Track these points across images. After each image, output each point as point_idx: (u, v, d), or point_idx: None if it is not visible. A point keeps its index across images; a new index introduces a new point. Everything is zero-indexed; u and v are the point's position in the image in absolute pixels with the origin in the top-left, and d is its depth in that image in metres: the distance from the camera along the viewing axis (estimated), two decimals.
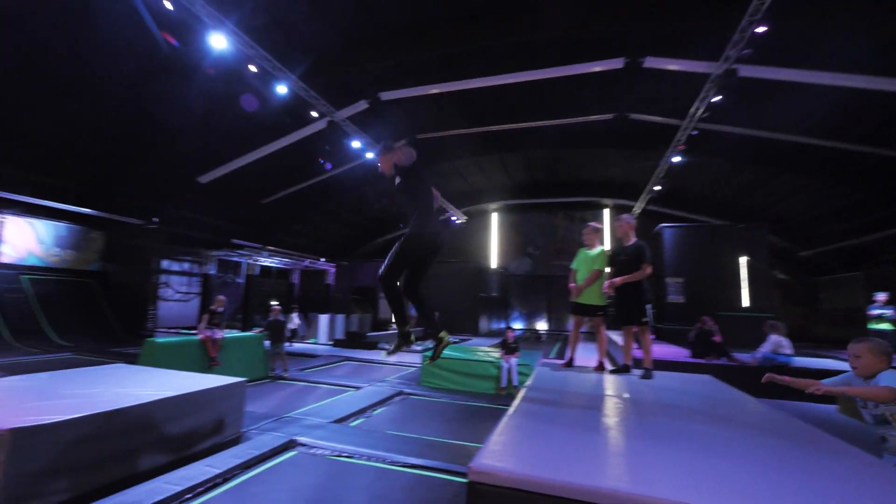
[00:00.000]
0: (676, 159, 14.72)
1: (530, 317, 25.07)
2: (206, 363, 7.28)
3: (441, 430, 5.76)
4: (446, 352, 8.22)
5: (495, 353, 8.15)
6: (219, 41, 9.45)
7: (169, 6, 8.49)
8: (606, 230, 20.38)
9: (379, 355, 11.93)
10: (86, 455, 3.36)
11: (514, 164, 20.65)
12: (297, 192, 17.70)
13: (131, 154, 13.19)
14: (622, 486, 1.66)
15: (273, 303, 10.22)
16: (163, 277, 15.76)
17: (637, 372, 4.49)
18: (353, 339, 12.96)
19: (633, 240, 4.55)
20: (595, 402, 3.36)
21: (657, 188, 17.59)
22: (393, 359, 11.45)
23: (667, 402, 3.37)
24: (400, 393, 7.45)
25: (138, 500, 3.33)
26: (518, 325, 24.35)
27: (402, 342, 3.35)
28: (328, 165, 15.18)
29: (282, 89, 11.43)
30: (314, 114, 12.84)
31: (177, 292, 16.71)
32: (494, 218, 26.33)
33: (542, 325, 24.62)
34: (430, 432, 5.56)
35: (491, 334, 19.74)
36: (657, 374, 4.40)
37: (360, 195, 19.75)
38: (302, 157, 15.38)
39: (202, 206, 16.03)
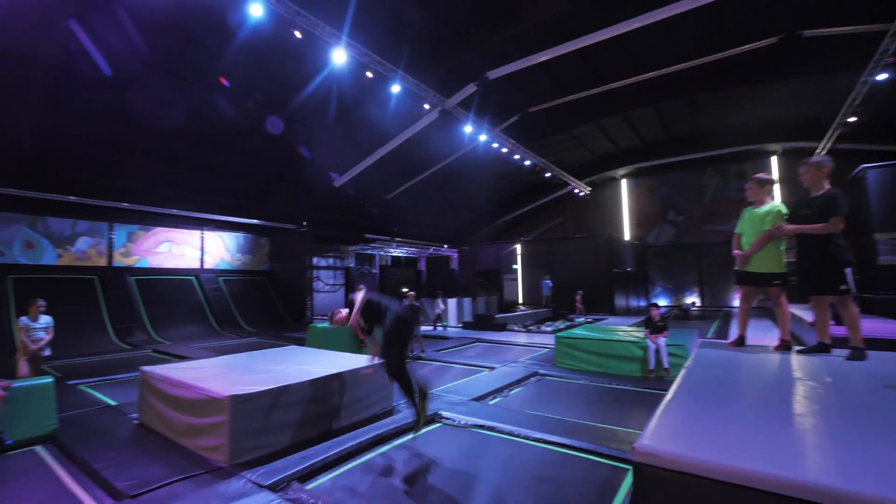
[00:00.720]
0: (882, 77, 11.56)
1: (675, 291, 22.62)
2: (357, 345, 8.18)
3: (582, 412, 5.60)
4: (583, 332, 8.01)
5: (638, 333, 7.60)
6: (339, 56, 10.34)
7: (298, 35, 9.53)
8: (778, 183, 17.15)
9: (509, 336, 12.07)
10: (280, 418, 4.14)
11: (643, 121, 18.76)
12: (416, 184, 18.68)
13: (284, 171, 15.31)
14: (828, 479, 1.37)
15: (405, 289, 11.04)
16: (315, 272, 18.14)
17: (840, 353, 3.49)
18: (482, 322, 13.31)
19: (825, 188, 3.51)
20: (782, 385, 2.78)
21: (851, 119, 14.15)
22: (524, 339, 11.51)
23: (887, 388, 2.60)
24: (535, 374, 7.44)
25: (319, 454, 3.99)
26: (662, 302, 22.22)
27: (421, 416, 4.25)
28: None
29: (395, 88, 12.06)
30: (426, 106, 13.30)
31: (326, 284, 19.08)
32: (624, 185, 24.31)
33: (691, 300, 22.02)
34: (572, 414, 5.44)
35: (629, 313, 18.45)
36: (871, 353, 3.37)
37: (476, 179, 20.01)
38: (418, 151, 16.14)
39: (339, 207, 17.93)
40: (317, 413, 4.53)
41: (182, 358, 8.94)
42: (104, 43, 9.38)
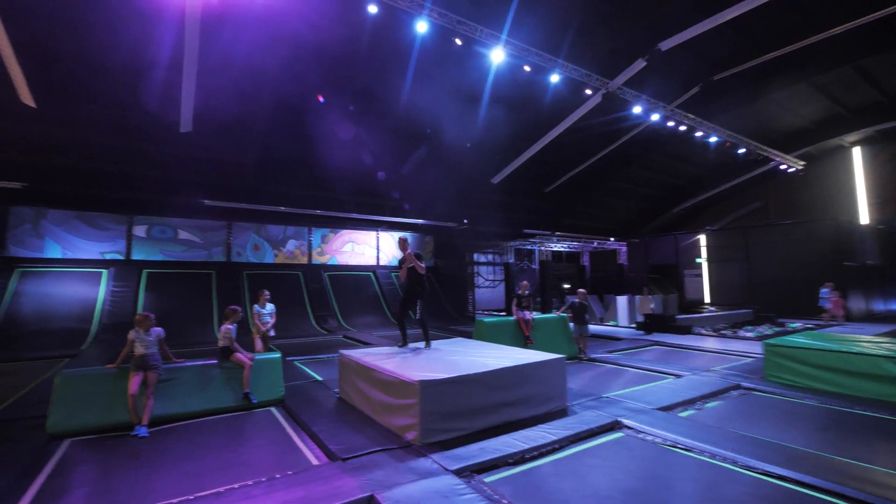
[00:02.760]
0: None
1: None
2: (523, 341, 8.06)
3: (810, 439, 4.42)
4: (806, 340, 6.40)
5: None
6: (497, 55, 10.39)
7: (458, 42, 9.87)
8: None
9: (696, 340, 10.47)
10: (463, 404, 4.31)
11: (884, 69, 14.30)
12: (577, 175, 17.73)
13: (446, 170, 16.15)
14: None
15: (566, 285, 10.51)
16: (475, 268, 18.76)
17: None
18: (659, 323, 11.85)
19: None
20: None
21: None
22: (715, 345, 9.82)
23: None
24: (737, 386, 6.22)
25: (498, 448, 3.96)
26: None
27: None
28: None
29: (554, 78, 11.57)
30: (588, 91, 12.45)
31: (486, 280, 19.56)
32: (857, 155, 18.99)
33: None
34: (794, 440, 4.34)
35: (872, 318, 14.32)
36: None
37: (647, 164, 18.03)
38: (579, 139, 15.26)
39: (497, 203, 18.17)
40: (497, 403, 4.57)
41: (366, 344, 10.13)
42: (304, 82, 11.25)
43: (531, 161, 16.04)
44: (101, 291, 11.95)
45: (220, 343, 5.60)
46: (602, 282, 18.43)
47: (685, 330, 11.70)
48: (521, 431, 4.36)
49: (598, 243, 19.11)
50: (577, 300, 9.06)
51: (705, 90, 14.49)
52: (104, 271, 12.44)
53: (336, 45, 10.40)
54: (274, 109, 11.89)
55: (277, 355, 5.97)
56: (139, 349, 4.87)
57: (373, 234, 17.72)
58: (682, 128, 14.77)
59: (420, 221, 17.46)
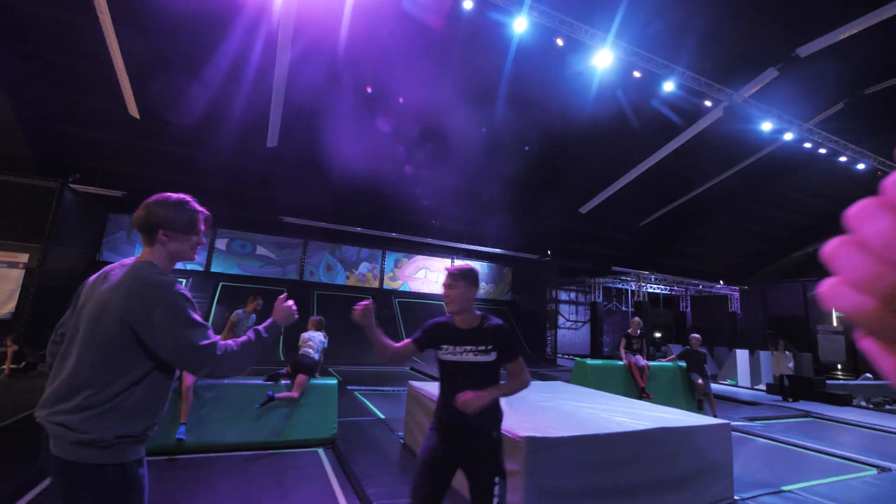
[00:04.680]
0: None
1: None
2: (636, 392, 6.27)
3: None
4: None
5: None
6: (604, 58, 9.18)
7: (560, 42, 8.82)
8: None
9: (860, 415, 7.84)
10: (588, 479, 2.82)
11: None
12: (681, 207, 15.53)
13: (529, 197, 14.89)
14: None
15: (657, 334, 8.46)
16: (555, 306, 16.86)
17: None
18: (805, 387, 9.22)
19: None
20: None
21: None
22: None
23: None
24: None
25: None
26: None
27: None
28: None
29: (668, 86, 10.07)
30: (707, 103, 10.71)
31: (566, 320, 17.52)
32: None
33: None
34: None
35: None
36: None
37: (769, 198, 15.37)
38: (687, 163, 13.31)
39: (583, 235, 16.40)
40: (635, 482, 2.97)
41: (435, 378, 8.80)
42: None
43: (627, 189, 14.25)
44: None
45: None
46: (707, 332, 15.62)
47: (842, 400, 8.96)
48: None
49: (704, 287, 16.40)
50: (691, 347, 7.11)
51: (852, 106, 12.04)
52: (183, 281, 12.51)
53: (424, 55, 9.83)
54: (354, 129, 11.54)
55: (333, 382, 4.82)
56: None
57: (447, 261, 16.69)
58: (823, 150, 12.31)
59: (498, 251, 16.15)
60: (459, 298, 1.99)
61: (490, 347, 1.94)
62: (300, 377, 4.47)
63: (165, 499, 3.14)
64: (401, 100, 11.08)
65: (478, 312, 2.05)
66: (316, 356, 4.73)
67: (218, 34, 8.73)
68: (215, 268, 13.42)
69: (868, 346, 0.21)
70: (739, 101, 10.71)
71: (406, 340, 2.08)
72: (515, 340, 2.10)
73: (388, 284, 15.58)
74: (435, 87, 10.89)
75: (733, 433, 5.88)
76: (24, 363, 7.60)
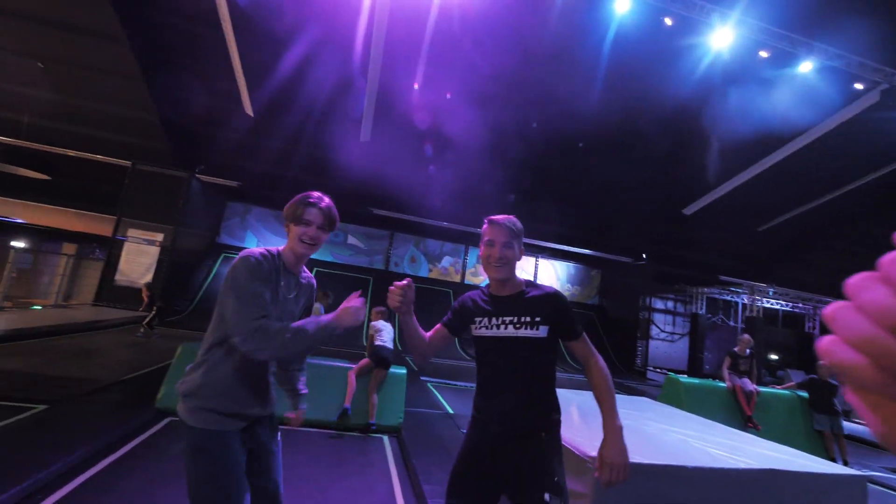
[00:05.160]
0: None
1: None
2: (741, 420, 5.42)
3: None
4: None
5: None
6: (723, 37, 8.09)
7: (668, 22, 7.96)
8: None
9: None
10: None
11: None
12: (809, 213, 13.27)
13: (625, 194, 13.79)
14: None
15: (773, 356, 7.11)
16: (649, 314, 15.48)
17: None
18: None
19: None
20: None
21: None
22: None
23: None
24: None
25: None
26: None
27: None
28: None
29: (805, 67, 8.60)
30: (857, 86, 8.94)
31: (661, 331, 16.00)
32: None
33: None
34: None
35: None
36: None
37: None
38: (826, 158, 11.28)
39: (687, 239, 14.79)
40: None
41: None
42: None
43: (742, 189, 12.51)
44: None
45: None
46: None
47: None
48: None
49: None
50: (818, 376, 5.95)
51: None
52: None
53: (515, 44, 9.50)
54: (443, 126, 11.59)
55: (403, 371, 4.83)
56: None
57: (531, 259, 16.18)
58: None
59: (587, 252, 15.24)
60: (513, 261, 1.57)
61: (538, 319, 1.51)
62: (379, 372, 4.51)
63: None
64: (416, 85, 10.83)
65: (520, 279, 1.63)
66: (392, 346, 4.77)
67: (314, 38, 9.29)
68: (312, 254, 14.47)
69: (853, 400, 0.26)
70: None
71: (436, 326, 1.73)
72: (574, 314, 1.59)
73: (470, 279, 15.54)
74: (527, 77, 10.50)
75: (870, 485, 4.81)
76: (154, 309, 8.99)
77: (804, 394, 6.11)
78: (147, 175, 11.98)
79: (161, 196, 11.97)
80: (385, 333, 4.81)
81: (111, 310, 10.68)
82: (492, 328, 1.55)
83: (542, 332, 1.51)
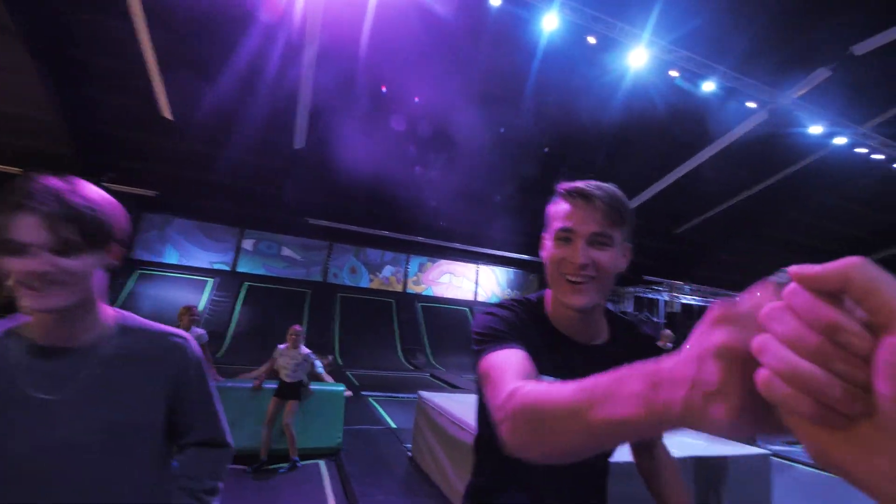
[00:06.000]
0: None
1: None
2: None
3: None
4: None
5: None
6: (638, 57, 8.75)
7: (592, 40, 8.47)
8: None
9: None
10: None
11: None
12: (720, 215, 14.70)
13: (540, 203, 14.40)
14: None
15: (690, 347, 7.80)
16: None
17: None
18: None
19: None
20: None
21: None
22: None
23: None
24: None
25: None
26: None
27: None
28: None
29: (707, 87, 9.53)
30: (750, 104, 10.06)
31: None
32: None
33: None
34: None
35: None
36: None
37: (816, 207, 14.35)
38: (727, 169, 12.57)
39: None
40: None
41: (454, 387, 8.52)
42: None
43: (662, 194, 13.59)
44: (204, 299, 12.14)
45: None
46: None
47: None
48: None
49: None
50: None
51: None
52: (210, 280, 12.74)
53: (447, 55, 9.65)
54: (379, 132, 11.48)
55: (340, 388, 4.62)
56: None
57: (472, 266, 16.41)
58: (879, 156, 11.36)
59: (524, 257, 15.75)
60: (607, 276, 0.84)
61: None
62: (292, 403, 4.12)
63: None
64: (416, 99, 10.91)
65: (605, 308, 0.95)
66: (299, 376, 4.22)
67: (242, 34, 8.83)
68: (241, 267, 13.62)
69: (792, 426, 0.26)
70: (787, 102, 10.00)
71: (511, 357, 0.75)
72: None
73: (412, 288, 15.43)
74: (456, 89, 10.69)
75: (774, 459, 5.31)
76: None
77: None
78: None
79: None
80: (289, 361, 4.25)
81: None
82: None
83: None
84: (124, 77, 9.69)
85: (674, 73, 9.19)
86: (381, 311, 14.04)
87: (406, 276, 15.48)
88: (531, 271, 17.06)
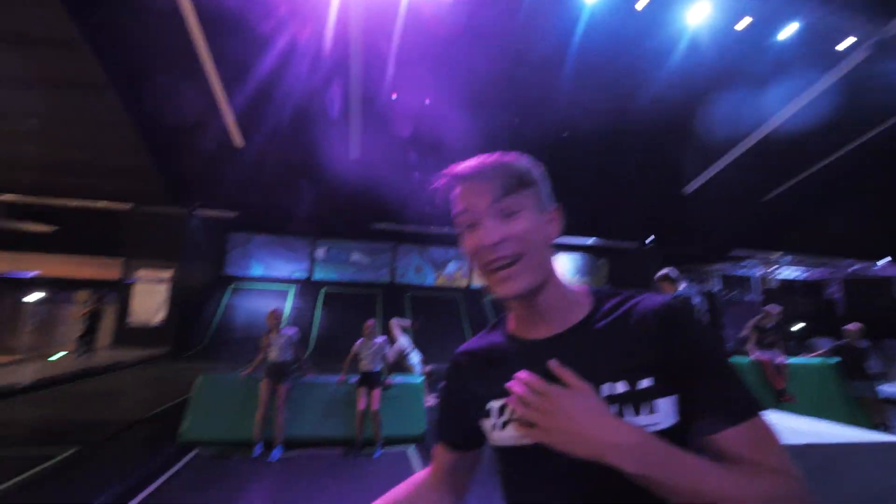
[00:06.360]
0: None
1: None
2: (772, 397, 5.26)
3: None
4: None
5: None
6: (699, 12, 8.01)
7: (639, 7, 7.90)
8: None
9: None
10: None
11: None
12: (817, 174, 13.02)
13: (623, 181, 13.64)
14: None
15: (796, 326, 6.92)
16: None
17: None
18: None
19: None
20: None
21: None
22: None
23: None
24: None
25: None
26: None
27: None
28: None
29: (789, 30, 8.49)
30: (843, 45, 8.79)
31: None
32: None
33: None
34: None
35: None
36: None
37: None
38: (822, 123, 11.07)
39: (693, 218, 14.58)
40: None
41: None
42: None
43: (742, 161, 12.33)
44: (288, 306, 13.07)
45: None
46: (867, 322, 12.85)
47: None
48: None
49: (859, 267, 13.51)
50: (849, 341, 5.78)
51: None
52: (291, 288, 13.69)
53: (494, 43, 9.48)
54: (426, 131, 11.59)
55: (419, 380, 4.79)
56: (271, 354, 4.35)
57: None
58: None
59: (590, 241, 15.09)
60: (534, 250, 0.71)
61: (646, 385, 0.64)
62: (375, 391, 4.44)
63: (271, 498, 3.34)
64: (394, 95, 10.80)
65: (578, 288, 0.78)
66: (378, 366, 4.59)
67: (293, 62, 9.36)
68: (317, 275, 14.48)
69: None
70: (890, 36, 8.60)
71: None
72: (724, 353, 0.68)
73: (477, 283, 15.46)
74: (507, 77, 10.48)
75: None
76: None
77: (834, 360, 5.93)
78: (148, 216, 12.15)
79: (163, 235, 12.12)
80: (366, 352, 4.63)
81: (128, 351, 10.78)
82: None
83: (662, 413, 0.63)
84: (199, 115, 10.67)
85: (746, 21, 8.28)
86: (448, 306, 14.21)
87: (471, 271, 15.53)
88: (599, 256, 16.31)
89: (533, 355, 0.70)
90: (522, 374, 0.63)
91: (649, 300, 0.72)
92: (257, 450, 4.06)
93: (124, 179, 11.76)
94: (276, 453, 4.06)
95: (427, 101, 10.93)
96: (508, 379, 0.66)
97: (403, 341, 6.59)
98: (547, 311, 0.74)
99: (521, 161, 0.77)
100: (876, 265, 13.76)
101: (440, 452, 0.87)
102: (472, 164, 0.76)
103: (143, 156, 10.86)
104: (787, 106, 10.59)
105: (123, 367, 8.98)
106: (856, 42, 8.69)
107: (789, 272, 13.73)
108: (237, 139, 11.42)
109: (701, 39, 8.78)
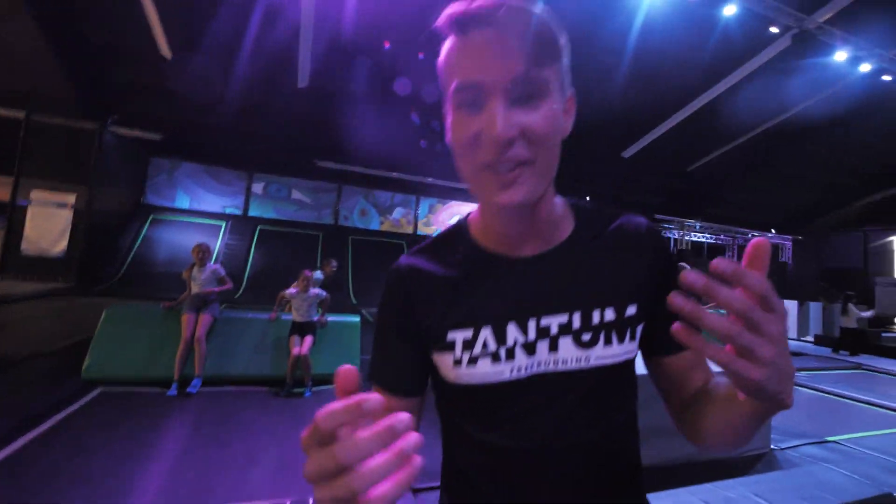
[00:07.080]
0: None
1: None
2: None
3: None
4: None
5: None
6: None
7: None
8: None
9: None
10: None
11: None
12: (733, 151, 14.39)
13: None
14: None
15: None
16: None
17: None
18: (855, 340, 8.75)
19: None
20: None
21: None
22: None
23: None
24: None
25: None
26: None
27: None
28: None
29: (729, 10, 9.00)
30: (773, 29, 9.53)
31: None
32: None
33: None
34: None
35: None
36: None
37: (836, 140, 13.95)
38: (743, 102, 12.12)
39: (626, 181, 15.60)
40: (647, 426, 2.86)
41: None
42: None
43: (675, 130, 13.25)
44: (219, 243, 12.38)
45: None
46: None
47: None
48: (710, 485, 2.64)
49: (753, 236, 15.50)
50: None
51: None
52: (223, 223, 12.92)
53: None
54: (385, 71, 11.03)
55: (356, 319, 4.93)
56: (193, 287, 4.24)
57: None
58: None
59: None
60: (549, 141, 0.56)
61: (634, 312, 0.62)
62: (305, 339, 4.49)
63: (193, 431, 3.33)
64: (419, 56, 10.37)
65: (559, 199, 0.70)
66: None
67: None
68: (252, 211, 13.73)
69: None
70: (812, 27, 9.46)
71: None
72: None
73: (422, 230, 15.59)
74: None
75: None
76: None
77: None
78: (48, 127, 10.50)
79: (68, 152, 10.60)
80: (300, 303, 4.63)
81: (20, 283, 9.58)
82: (511, 358, 0.59)
83: (637, 341, 0.64)
84: (119, 13, 9.25)
85: None
86: (392, 252, 14.29)
87: (416, 218, 15.58)
88: None
89: (522, 275, 0.61)
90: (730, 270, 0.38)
91: (634, 221, 0.70)
92: (173, 389, 3.91)
93: (18, 79, 10.02)
94: (196, 383, 3.97)
95: (391, 25, 10.26)
96: (481, 305, 0.59)
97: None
98: (539, 225, 0.63)
99: (550, 11, 0.54)
100: (766, 235, 15.87)
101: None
102: (487, 4, 0.51)
103: (46, 53, 9.28)
104: (718, 84, 11.42)
105: (17, 300, 8.00)
106: (779, 31, 9.45)
107: (699, 236, 15.44)
108: (164, 49, 10.10)
109: (651, 8, 9.04)
